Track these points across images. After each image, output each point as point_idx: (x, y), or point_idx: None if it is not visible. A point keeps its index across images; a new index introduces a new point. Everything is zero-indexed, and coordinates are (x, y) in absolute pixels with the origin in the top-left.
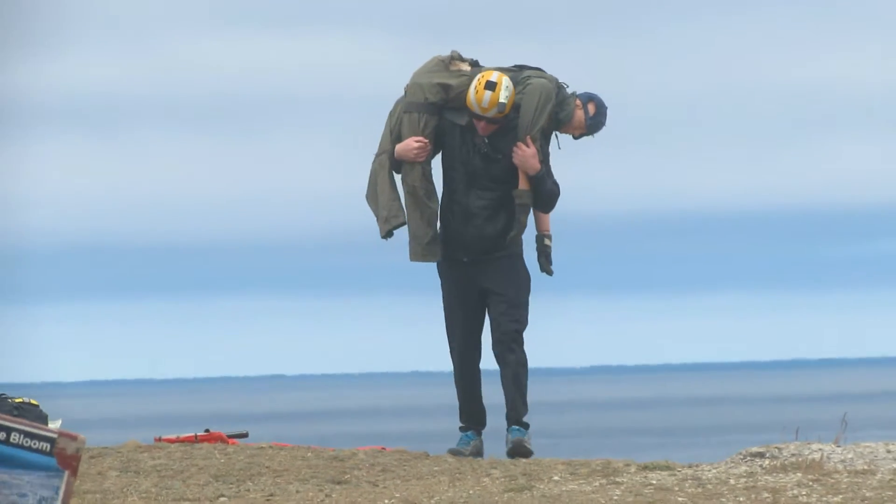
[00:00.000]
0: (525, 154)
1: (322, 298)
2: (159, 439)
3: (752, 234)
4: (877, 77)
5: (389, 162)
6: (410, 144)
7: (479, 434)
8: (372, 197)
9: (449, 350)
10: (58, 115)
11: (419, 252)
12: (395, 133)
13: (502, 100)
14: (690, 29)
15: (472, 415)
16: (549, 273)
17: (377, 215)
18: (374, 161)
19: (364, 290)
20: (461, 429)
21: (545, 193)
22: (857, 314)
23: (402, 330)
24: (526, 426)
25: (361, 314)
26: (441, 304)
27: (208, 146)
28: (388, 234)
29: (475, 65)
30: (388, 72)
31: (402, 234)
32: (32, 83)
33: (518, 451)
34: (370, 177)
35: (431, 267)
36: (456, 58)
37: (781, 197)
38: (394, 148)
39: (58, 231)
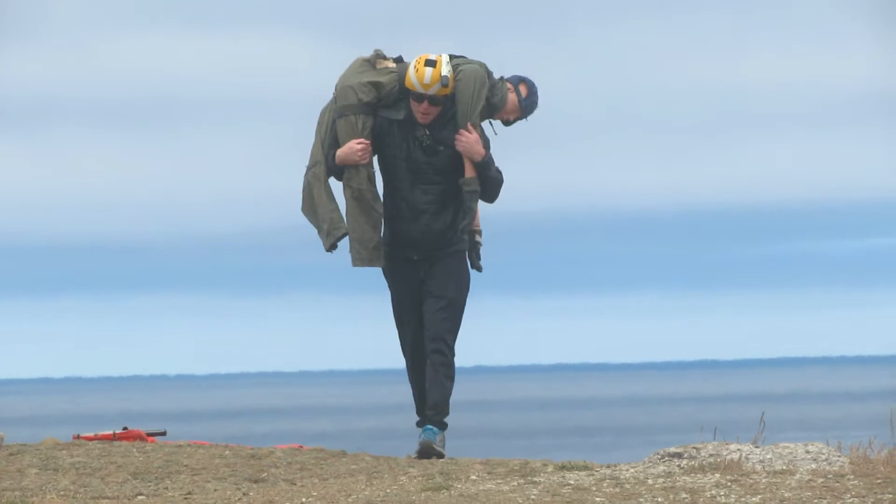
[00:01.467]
0: (469, 140)
1: (244, 297)
2: (78, 437)
3: (669, 234)
4: (791, 79)
5: (326, 171)
6: (353, 147)
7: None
8: (309, 209)
9: (401, 347)
10: None
11: (365, 257)
12: (326, 142)
13: (444, 73)
14: (611, 31)
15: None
16: (479, 269)
17: (318, 228)
18: (307, 174)
19: (286, 289)
20: (419, 424)
21: (491, 180)
22: (775, 314)
23: (330, 328)
24: (442, 426)
25: (285, 312)
26: (384, 307)
27: (133, 145)
28: (332, 247)
29: (399, 61)
30: (310, 73)
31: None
32: None
33: (426, 452)
34: (304, 189)
35: (368, 270)
36: (380, 56)
37: (697, 197)
38: (328, 156)
39: None
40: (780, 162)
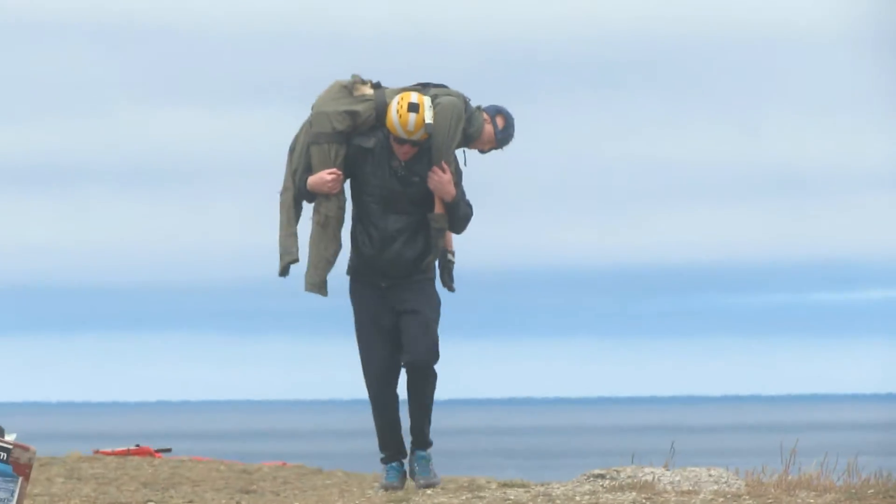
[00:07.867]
0: (441, 180)
1: (243, 335)
2: (98, 451)
3: (601, 288)
4: (707, 156)
5: (296, 196)
6: (324, 177)
7: (402, 464)
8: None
9: (364, 380)
10: (6, 177)
11: (317, 283)
12: (300, 167)
13: (428, 120)
14: (559, 102)
15: (393, 445)
16: (451, 289)
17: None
18: (281, 199)
19: (276, 330)
20: (383, 460)
21: (460, 217)
22: (690, 357)
23: (313, 363)
24: (429, 444)
25: (277, 349)
26: (352, 334)
27: (149, 206)
28: (284, 271)
29: (377, 87)
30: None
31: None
32: None
33: (430, 486)
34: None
35: (332, 304)
36: (358, 82)
37: (625, 257)
38: (297, 183)
39: (5, 272)
40: (695, 227)
